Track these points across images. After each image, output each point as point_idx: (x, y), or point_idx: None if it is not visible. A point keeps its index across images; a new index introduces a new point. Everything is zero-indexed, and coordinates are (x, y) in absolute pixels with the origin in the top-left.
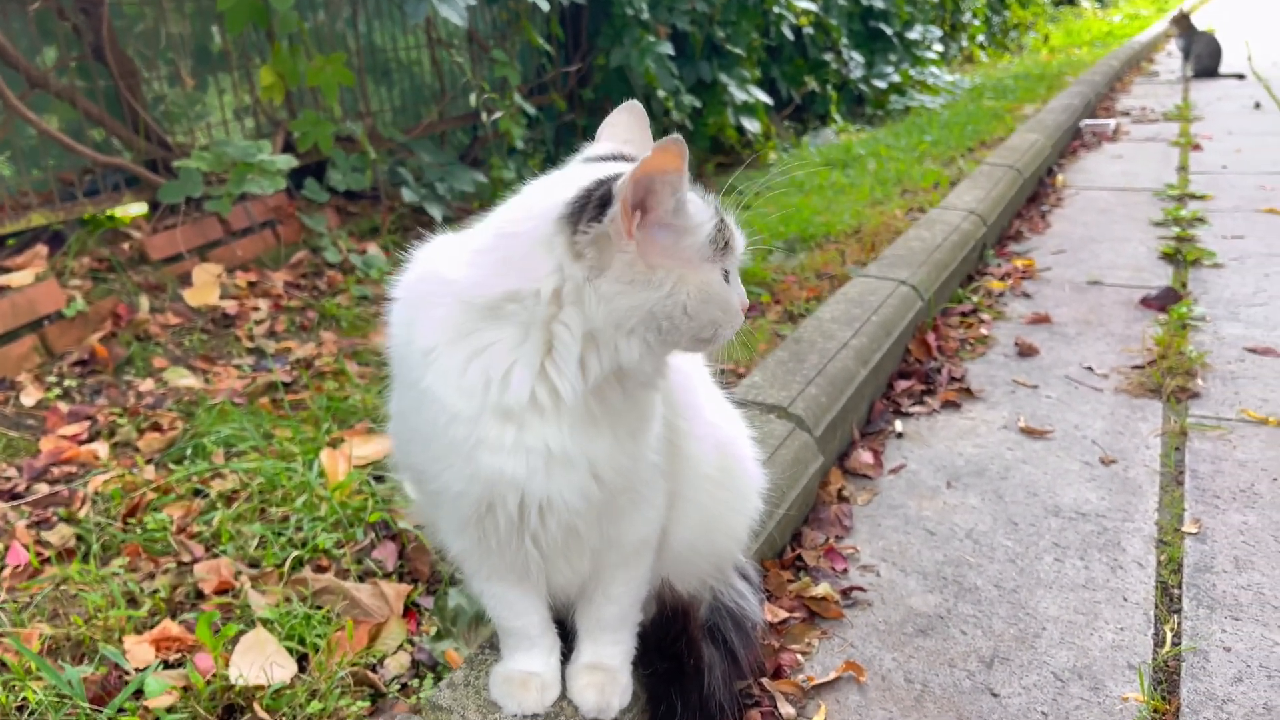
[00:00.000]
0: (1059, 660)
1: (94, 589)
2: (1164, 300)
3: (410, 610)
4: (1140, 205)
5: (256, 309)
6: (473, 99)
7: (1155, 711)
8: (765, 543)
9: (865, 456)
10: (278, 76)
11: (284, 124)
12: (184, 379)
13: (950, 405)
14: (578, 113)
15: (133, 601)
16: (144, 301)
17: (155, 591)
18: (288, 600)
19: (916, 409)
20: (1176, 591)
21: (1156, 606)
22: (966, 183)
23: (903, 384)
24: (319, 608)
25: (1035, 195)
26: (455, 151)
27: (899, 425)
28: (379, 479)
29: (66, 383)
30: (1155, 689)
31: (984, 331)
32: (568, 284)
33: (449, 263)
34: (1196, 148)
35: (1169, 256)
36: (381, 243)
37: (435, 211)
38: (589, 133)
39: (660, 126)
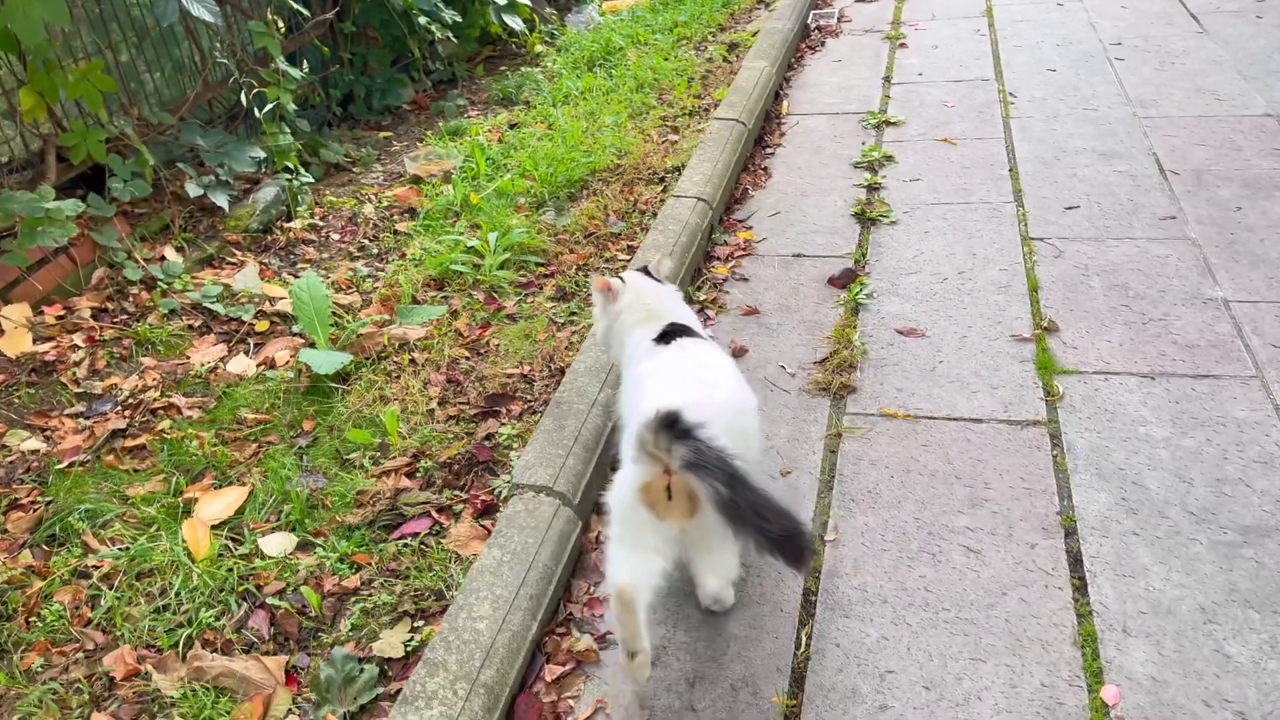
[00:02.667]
0: (734, 673)
1: (28, 690)
2: (845, 280)
3: (290, 675)
4: (847, 137)
5: (75, 347)
6: (243, 97)
7: (788, 707)
8: (545, 611)
9: None
10: (38, 97)
11: (51, 138)
12: (26, 441)
13: None
14: (341, 47)
15: (62, 701)
16: None
17: (77, 689)
18: (192, 682)
19: None
20: (814, 598)
21: (800, 614)
22: (698, 155)
23: None
24: (220, 690)
25: (763, 133)
26: (225, 113)
27: None
28: (236, 539)
29: None
30: (790, 688)
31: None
32: None
33: None
34: (903, 45)
35: (858, 216)
36: (175, 243)
37: (221, 200)
38: (355, 64)
39: (425, 40)
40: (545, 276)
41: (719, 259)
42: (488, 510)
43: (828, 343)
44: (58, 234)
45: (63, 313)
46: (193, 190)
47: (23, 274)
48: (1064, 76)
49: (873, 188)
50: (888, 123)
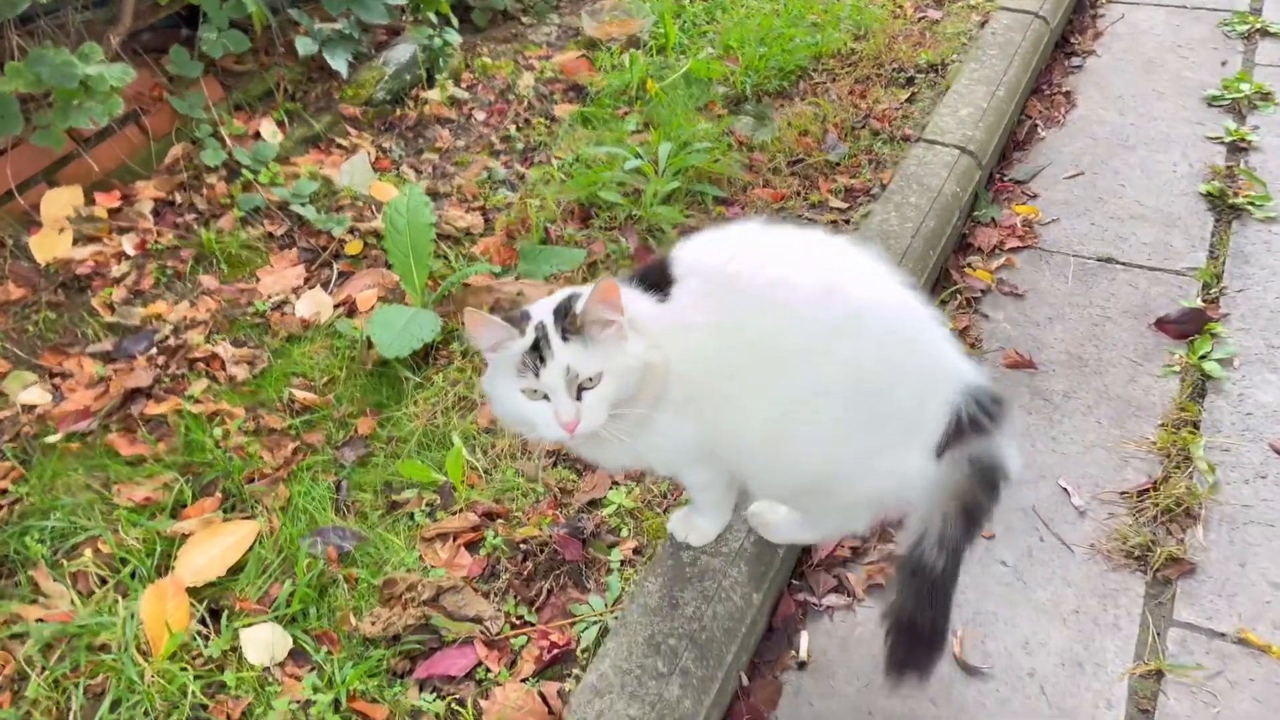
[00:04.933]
0: None
1: None
2: (1186, 326)
3: None
4: (1198, 49)
5: (122, 256)
6: None
7: None
8: None
9: None
10: None
11: None
12: (28, 390)
13: (876, 590)
14: None
15: None
16: None
17: None
18: None
19: (832, 599)
20: None
21: None
22: (970, 69)
23: (821, 551)
24: None
25: (1068, 30)
26: None
27: (804, 642)
28: (215, 614)
29: None
30: None
31: None
32: None
33: None
34: None
35: (1212, 199)
36: (276, 115)
37: (339, 63)
38: None
39: None
40: (725, 220)
41: (979, 250)
42: (559, 659)
43: (1149, 452)
44: (97, 111)
45: (118, 203)
46: (303, 47)
47: (77, 148)
48: None
49: (1237, 146)
50: (1265, 31)
